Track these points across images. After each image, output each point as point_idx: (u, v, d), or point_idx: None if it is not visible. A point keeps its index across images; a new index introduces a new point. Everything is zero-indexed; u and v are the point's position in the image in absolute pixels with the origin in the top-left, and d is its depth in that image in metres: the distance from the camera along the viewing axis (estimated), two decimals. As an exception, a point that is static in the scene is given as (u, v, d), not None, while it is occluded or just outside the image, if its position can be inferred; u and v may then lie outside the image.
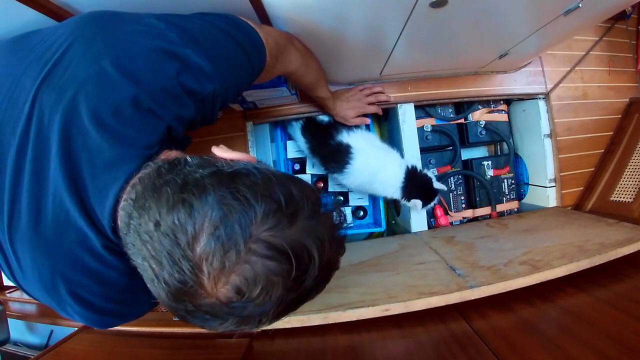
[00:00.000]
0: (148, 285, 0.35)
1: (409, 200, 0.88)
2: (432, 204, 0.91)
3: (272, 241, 0.32)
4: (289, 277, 0.32)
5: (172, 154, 0.41)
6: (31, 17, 0.59)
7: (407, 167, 0.88)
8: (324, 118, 0.98)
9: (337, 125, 0.95)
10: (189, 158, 0.38)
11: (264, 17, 0.69)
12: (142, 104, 0.40)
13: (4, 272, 0.44)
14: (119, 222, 0.37)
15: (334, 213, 0.39)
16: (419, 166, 0.91)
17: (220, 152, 0.40)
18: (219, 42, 0.48)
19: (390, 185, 0.88)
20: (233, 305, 0.32)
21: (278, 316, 0.35)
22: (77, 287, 0.40)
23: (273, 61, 0.58)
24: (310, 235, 0.33)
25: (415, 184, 0.87)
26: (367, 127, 1.11)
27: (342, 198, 1.13)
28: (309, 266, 0.33)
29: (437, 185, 0.88)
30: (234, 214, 0.31)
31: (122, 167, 0.38)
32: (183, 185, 0.33)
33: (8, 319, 0.95)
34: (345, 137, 0.91)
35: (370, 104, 0.96)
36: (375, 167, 0.89)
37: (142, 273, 0.34)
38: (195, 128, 0.50)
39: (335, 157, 0.92)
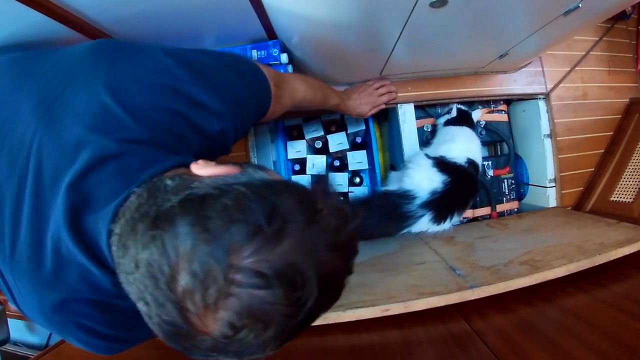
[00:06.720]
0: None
1: None
2: None
3: (257, 268, 0.28)
4: (284, 304, 0.29)
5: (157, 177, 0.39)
6: (36, 20, 0.59)
7: None
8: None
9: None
10: (168, 181, 0.36)
11: (264, 18, 0.70)
12: (144, 142, 0.39)
13: (8, 299, 0.44)
14: (114, 259, 0.35)
15: (337, 212, 0.34)
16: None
17: (198, 169, 0.37)
18: (228, 78, 0.48)
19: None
20: (229, 341, 0.29)
21: (284, 342, 0.32)
22: (80, 317, 0.40)
23: (278, 91, 0.58)
24: (301, 251, 0.30)
25: None
26: (367, 126, 1.11)
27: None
28: (304, 287, 0.30)
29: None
30: (206, 247, 0.28)
31: (117, 198, 0.36)
32: (154, 219, 0.31)
33: (8, 318, 0.94)
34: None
35: (381, 95, 0.96)
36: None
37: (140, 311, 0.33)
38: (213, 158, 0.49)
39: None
